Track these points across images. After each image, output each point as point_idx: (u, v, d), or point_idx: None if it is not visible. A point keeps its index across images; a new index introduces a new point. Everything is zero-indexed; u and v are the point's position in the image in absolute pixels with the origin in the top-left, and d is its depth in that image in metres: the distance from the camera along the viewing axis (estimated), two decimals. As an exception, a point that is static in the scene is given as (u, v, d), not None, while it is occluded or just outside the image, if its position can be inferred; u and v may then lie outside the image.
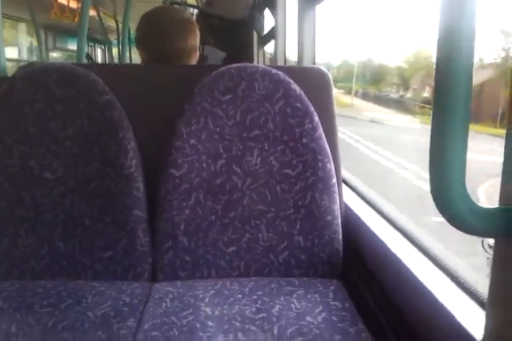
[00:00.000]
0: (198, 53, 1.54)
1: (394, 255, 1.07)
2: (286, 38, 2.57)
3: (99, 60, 9.22)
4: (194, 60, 1.54)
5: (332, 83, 1.37)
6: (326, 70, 1.36)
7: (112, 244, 1.23)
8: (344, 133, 14.85)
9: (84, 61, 3.31)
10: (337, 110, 1.36)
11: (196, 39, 1.51)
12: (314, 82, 1.33)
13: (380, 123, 18.55)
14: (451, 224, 0.64)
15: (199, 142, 1.23)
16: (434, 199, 0.64)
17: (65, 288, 1.17)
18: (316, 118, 1.25)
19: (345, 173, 1.57)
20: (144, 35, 1.51)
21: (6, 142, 1.23)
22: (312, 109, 1.25)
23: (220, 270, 1.26)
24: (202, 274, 1.26)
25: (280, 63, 2.58)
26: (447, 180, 0.62)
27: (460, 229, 0.65)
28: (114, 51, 7.41)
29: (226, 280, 1.23)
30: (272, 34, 2.97)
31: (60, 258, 1.24)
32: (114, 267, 1.24)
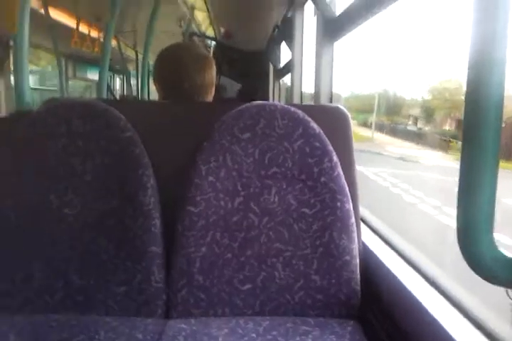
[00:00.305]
0: (214, 89, 1.56)
1: (413, 297, 1.05)
2: (302, 74, 2.59)
3: (118, 89, 9.39)
4: (211, 95, 1.55)
5: (351, 122, 1.36)
6: (345, 109, 1.36)
7: (127, 280, 1.22)
8: (378, 175, 12.17)
9: (105, 95, 3.37)
10: (357, 145, 1.34)
11: (213, 74, 1.53)
12: (333, 121, 1.33)
13: (414, 162, 16.17)
14: (477, 273, 0.63)
15: (217, 179, 1.23)
16: (460, 247, 0.63)
17: (78, 323, 1.16)
18: (335, 158, 1.24)
19: (363, 212, 1.54)
20: (161, 71, 1.52)
21: (27, 175, 1.24)
22: (331, 147, 1.25)
23: (235, 308, 1.24)
24: (216, 312, 1.24)
25: (296, 99, 2.60)
26: (474, 229, 0.61)
27: (483, 278, 0.63)
28: (132, 81, 7.54)
29: (240, 319, 1.21)
30: (287, 67, 3.00)
31: (75, 292, 1.23)
32: (128, 303, 1.23)
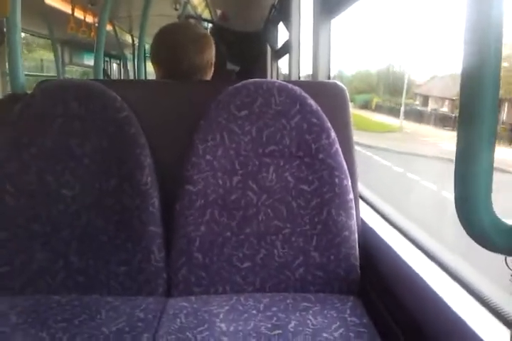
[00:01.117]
0: (213, 68, 1.54)
1: (412, 270, 1.06)
2: (300, 53, 2.58)
3: (115, 74, 9.33)
4: (209, 75, 1.54)
5: (349, 98, 1.36)
6: (342, 85, 1.36)
7: (127, 260, 1.23)
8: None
9: (101, 77, 3.36)
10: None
11: (212, 54, 1.51)
12: (331, 97, 1.33)
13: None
14: (476, 242, 0.63)
15: (215, 158, 1.23)
16: (460, 217, 0.63)
17: (80, 303, 1.17)
18: (333, 134, 1.24)
19: (362, 188, 1.55)
20: (158, 52, 1.51)
21: (24, 157, 1.24)
22: (329, 124, 1.25)
23: (235, 286, 1.25)
24: (216, 290, 1.25)
25: (294, 77, 2.59)
26: (472, 198, 0.61)
27: (483, 246, 0.64)
28: (129, 66, 7.50)
29: (241, 296, 1.22)
30: (285, 48, 2.99)
31: (75, 273, 1.24)
32: (129, 282, 1.24)
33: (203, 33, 1.53)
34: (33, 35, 5.69)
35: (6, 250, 1.23)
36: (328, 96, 1.33)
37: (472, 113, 0.60)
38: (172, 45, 1.46)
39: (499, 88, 0.59)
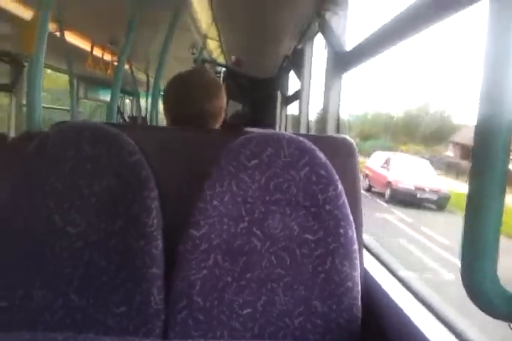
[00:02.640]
0: (223, 115, 1.57)
1: (414, 326, 1.05)
2: (309, 104, 2.63)
3: (127, 110, 9.50)
4: (220, 122, 1.57)
5: (357, 153, 1.39)
6: (351, 140, 1.39)
7: (127, 300, 1.23)
8: None
9: (115, 115, 3.43)
10: None
11: (223, 101, 1.54)
12: (339, 151, 1.36)
13: None
14: (479, 308, 0.64)
15: (221, 204, 1.24)
16: (464, 283, 0.65)
17: None
18: (340, 186, 1.26)
19: (366, 239, 1.56)
20: (170, 98, 1.54)
21: (34, 196, 1.26)
22: (336, 177, 1.27)
23: (234, 331, 1.24)
24: (215, 335, 1.24)
25: (303, 129, 2.64)
26: (478, 266, 0.63)
27: (486, 313, 0.64)
28: (142, 102, 7.64)
29: None
30: (295, 96, 3.05)
31: (74, 312, 1.23)
32: (127, 323, 1.23)
33: (215, 81, 1.56)
34: (52, 69, 5.84)
35: (7, 285, 1.23)
36: (337, 150, 1.36)
37: (482, 182, 0.62)
38: (183, 91, 1.50)
39: (509, 149, 0.61)
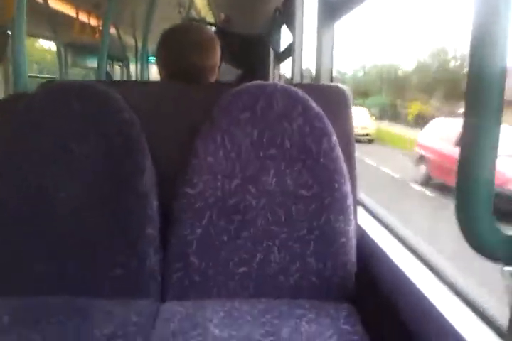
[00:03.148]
0: (217, 71, 1.54)
1: (408, 279, 1.06)
2: (302, 56, 2.60)
3: (118, 76, 9.36)
4: (214, 77, 1.54)
5: (351, 102, 1.35)
6: (345, 88, 1.35)
7: (123, 262, 1.21)
8: None
9: (104, 79, 3.39)
10: None
11: (216, 57, 1.50)
12: (333, 101, 1.32)
13: None
14: (477, 252, 0.64)
15: (215, 160, 1.22)
16: (459, 224, 0.65)
17: (73, 306, 1.16)
18: (334, 138, 1.23)
19: (361, 195, 1.55)
20: (163, 53, 1.50)
21: (23, 158, 1.23)
22: (330, 128, 1.23)
23: (230, 290, 1.24)
24: (211, 294, 1.23)
25: (297, 80, 2.60)
26: (473, 206, 0.63)
27: (483, 255, 0.65)
28: (132, 68, 7.53)
29: (236, 301, 1.21)
30: (288, 51, 3.00)
31: (70, 275, 1.22)
32: (123, 285, 1.22)
33: (208, 36, 1.52)
34: (38, 37, 5.73)
35: (1, 250, 1.22)
36: (331, 99, 1.32)
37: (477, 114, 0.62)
38: (176, 46, 1.46)
39: (504, 92, 0.60)
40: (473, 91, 0.62)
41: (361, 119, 14.26)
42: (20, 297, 1.19)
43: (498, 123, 0.62)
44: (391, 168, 8.89)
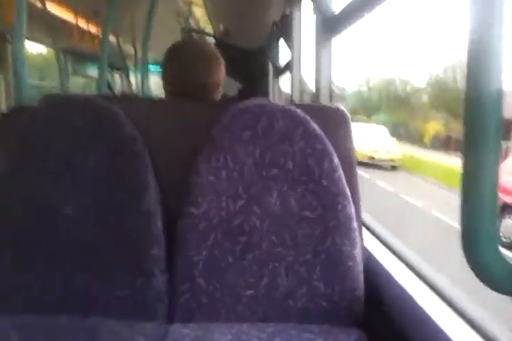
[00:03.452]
0: (221, 88, 1.54)
1: (416, 304, 1.04)
2: (301, 73, 2.58)
3: (117, 86, 9.38)
4: (218, 94, 1.54)
5: (351, 122, 1.34)
6: (344, 109, 1.35)
7: (129, 282, 1.20)
8: None
9: (105, 91, 3.36)
10: None
11: (221, 73, 1.51)
12: (333, 122, 1.32)
13: None
14: (484, 284, 0.63)
15: (218, 180, 1.21)
16: (466, 257, 0.63)
17: (79, 325, 1.15)
18: (336, 159, 1.23)
19: (365, 217, 1.53)
20: (168, 70, 1.51)
21: (27, 173, 1.22)
22: (331, 149, 1.23)
23: (238, 313, 1.23)
24: (219, 317, 1.22)
25: (296, 98, 2.59)
26: (479, 239, 0.61)
27: (491, 288, 0.64)
28: (131, 77, 7.53)
29: (244, 325, 1.20)
30: (287, 65, 2.99)
31: (76, 294, 1.21)
32: (130, 306, 1.20)
33: (213, 53, 1.52)
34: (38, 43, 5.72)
35: (7, 268, 1.21)
36: (331, 120, 1.32)
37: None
38: (182, 63, 1.47)
39: (502, 121, 0.59)
40: (471, 112, 0.61)
41: (382, 141, 13.41)
42: (27, 315, 1.18)
43: (497, 158, 0.61)
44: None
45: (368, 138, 12.89)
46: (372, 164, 12.32)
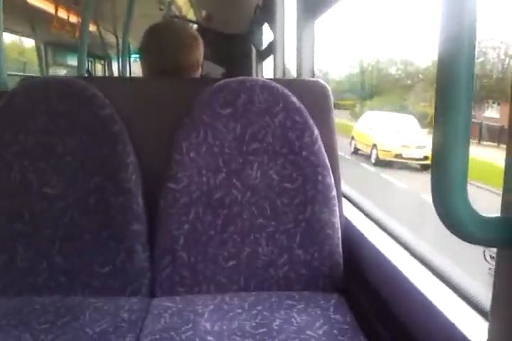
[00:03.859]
0: (200, 69, 1.54)
1: (394, 267, 1.06)
2: (284, 52, 2.59)
3: (100, 74, 9.28)
4: (197, 74, 1.54)
5: (331, 96, 1.36)
6: (325, 83, 1.36)
7: (111, 259, 1.22)
8: None
9: (85, 75, 3.34)
10: None
11: (199, 55, 1.51)
12: (314, 95, 1.33)
13: None
14: (452, 233, 0.64)
15: (199, 155, 1.23)
16: (436, 207, 0.64)
17: (63, 305, 1.16)
18: (316, 132, 1.25)
19: (344, 187, 1.56)
20: (147, 49, 1.51)
21: (5, 156, 1.22)
22: (312, 122, 1.25)
23: (220, 285, 1.25)
24: (201, 289, 1.24)
25: (278, 76, 2.60)
26: (448, 188, 0.62)
27: (461, 238, 0.64)
28: (114, 67, 7.47)
29: (226, 295, 1.22)
30: (270, 49, 2.99)
31: (59, 273, 1.22)
32: (113, 282, 1.22)
33: (191, 33, 1.52)
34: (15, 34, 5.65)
35: None
36: (311, 94, 1.33)
37: (448, 106, 0.61)
38: (160, 43, 1.46)
39: (473, 85, 0.60)
40: (442, 87, 0.62)
41: (411, 134, 10.57)
42: (9, 297, 1.19)
43: (470, 110, 0.61)
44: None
45: (391, 130, 10.81)
46: (401, 163, 9.85)
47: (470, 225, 0.63)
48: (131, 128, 1.26)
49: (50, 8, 4.56)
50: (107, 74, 8.41)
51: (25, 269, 1.21)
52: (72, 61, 7.26)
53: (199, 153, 1.22)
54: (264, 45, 3.94)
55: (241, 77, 1.27)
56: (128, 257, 1.21)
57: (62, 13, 4.72)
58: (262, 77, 4.28)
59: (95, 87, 1.27)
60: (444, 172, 0.61)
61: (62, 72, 7.94)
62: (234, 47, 4.60)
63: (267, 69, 4.25)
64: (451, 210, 0.62)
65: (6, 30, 1.76)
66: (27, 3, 4.00)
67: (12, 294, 1.20)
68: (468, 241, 0.65)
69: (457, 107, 0.60)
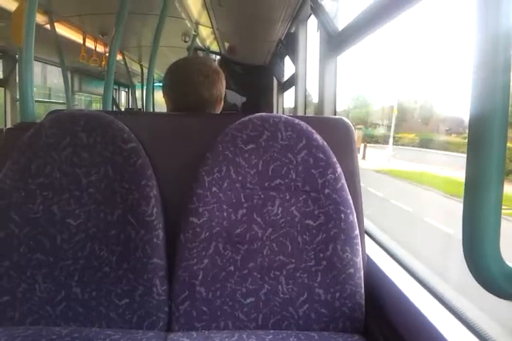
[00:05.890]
0: (222, 103, 1.56)
1: (417, 310, 1.04)
2: (306, 87, 2.61)
3: (123, 102, 9.46)
4: (219, 109, 1.56)
5: (355, 134, 1.37)
6: (348, 121, 1.37)
7: (129, 292, 1.22)
8: None
9: (110, 106, 3.40)
10: None
11: (222, 89, 1.53)
12: (336, 133, 1.34)
13: None
14: (482, 286, 0.63)
15: (220, 190, 1.23)
16: (468, 262, 0.63)
17: (80, 336, 1.16)
18: (339, 169, 1.25)
19: (368, 225, 1.54)
20: (169, 86, 1.54)
21: (30, 187, 1.24)
22: (335, 159, 1.25)
23: (237, 322, 1.23)
24: (218, 325, 1.23)
25: (300, 112, 2.61)
26: (480, 243, 0.61)
27: (491, 293, 0.63)
28: (137, 94, 7.61)
29: (243, 333, 1.20)
30: (291, 81, 3.03)
31: (76, 304, 1.22)
32: (130, 315, 1.22)
33: (214, 68, 1.54)
34: (44, 62, 5.81)
35: (9, 279, 1.22)
36: (334, 131, 1.34)
37: (480, 157, 0.61)
38: (183, 80, 1.49)
39: (507, 130, 0.60)
40: (475, 135, 0.61)
41: None
42: (26, 326, 1.19)
43: (502, 167, 0.60)
44: None
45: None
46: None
47: (501, 281, 0.61)
48: (155, 162, 1.28)
49: (77, 38, 4.69)
50: (130, 101, 8.57)
51: (43, 299, 1.22)
52: (98, 89, 7.44)
53: (221, 187, 1.23)
54: (286, 76, 3.98)
55: (265, 114, 1.28)
56: (146, 290, 1.21)
57: (90, 43, 4.85)
58: (283, 106, 4.32)
59: (121, 120, 1.29)
60: (476, 228, 0.60)
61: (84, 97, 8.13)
62: (256, 78, 4.66)
63: (287, 100, 4.29)
64: (483, 265, 0.61)
65: (34, 58, 1.81)
66: (55, 33, 4.12)
67: (29, 323, 1.21)
68: (499, 296, 0.63)
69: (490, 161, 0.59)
